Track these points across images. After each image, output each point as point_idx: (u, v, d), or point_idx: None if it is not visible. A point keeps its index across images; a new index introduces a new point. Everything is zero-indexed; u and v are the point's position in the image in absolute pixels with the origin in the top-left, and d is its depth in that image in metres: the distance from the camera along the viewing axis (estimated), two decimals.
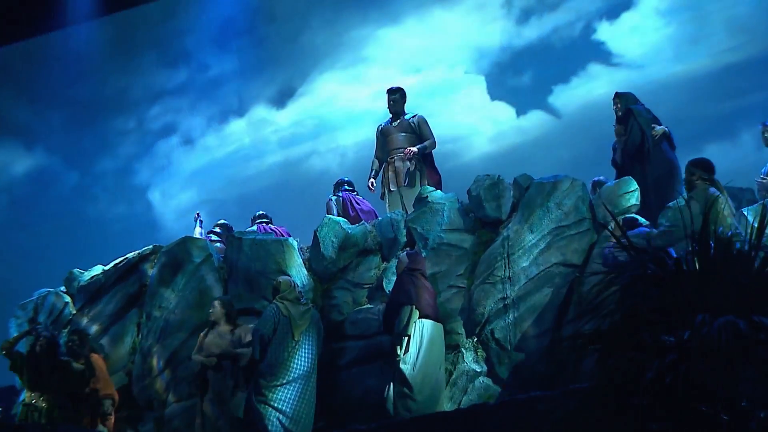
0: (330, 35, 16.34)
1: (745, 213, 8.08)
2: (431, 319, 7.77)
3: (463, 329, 8.46)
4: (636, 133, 9.25)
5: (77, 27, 15.77)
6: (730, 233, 5.43)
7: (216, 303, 8.57)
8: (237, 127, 16.81)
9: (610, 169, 9.78)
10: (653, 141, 9.17)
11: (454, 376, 8.28)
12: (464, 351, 8.37)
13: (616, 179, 9.04)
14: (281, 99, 16.50)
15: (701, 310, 4.09)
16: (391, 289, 8.22)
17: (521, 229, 8.50)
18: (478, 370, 8.23)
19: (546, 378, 7.67)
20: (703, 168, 6.82)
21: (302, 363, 7.77)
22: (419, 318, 7.69)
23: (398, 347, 7.61)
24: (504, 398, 7.58)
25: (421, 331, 7.68)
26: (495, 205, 8.82)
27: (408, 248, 8.76)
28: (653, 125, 9.29)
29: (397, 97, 10.19)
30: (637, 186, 8.61)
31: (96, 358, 8.89)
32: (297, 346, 7.78)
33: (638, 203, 8.59)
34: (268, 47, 16.81)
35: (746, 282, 4.22)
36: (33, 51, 16.50)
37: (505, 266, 8.38)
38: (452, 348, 8.41)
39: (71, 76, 16.44)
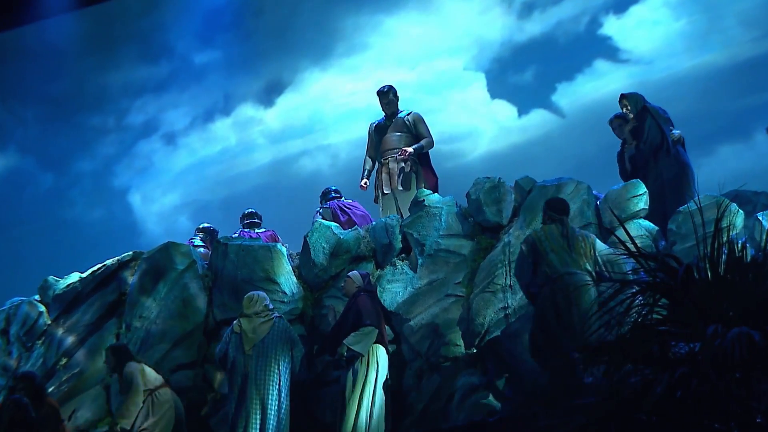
0: (321, 28, 16.35)
1: (760, 218, 8.11)
2: (383, 346, 7.93)
3: (461, 340, 8.46)
4: (655, 132, 9.25)
5: (52, 20, 15.71)
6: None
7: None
8: (223, 125, 16.81)
9: (615, 170, 9.80)
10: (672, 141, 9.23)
11: (451, 391, 8.28)
12: (463, 364, 8.37)
13: None
14: (269, 96, 16.51)
15: (713, 320, 4.09)
16: (346, 308, 8.18)
17: (523, 234, 8.48)
18: (477, 384, 8.23)
19: (549, 392, 7.66)
20: (552, 209, 7.45)
21: (254, 375, 7.86)
22: (374, 343, 7.84)
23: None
24: (504, 414, 7.57)
25: (378, 356, 7.83)
26: (495, 209, 8.83)
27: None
28: (669, 127, 9.36)
29: (390, 97, 10.14)
30: (645, 189, 8.63)
31: (52, 406, 8.56)
32: (249, 360, 7.90)
33: (647, 207, 8.61)
34: (256, 42, 16.80)
35: (761, 291, 4.22)
36: (5, 45, 16.44)
37: (506, 274, 8.38)
38: (450, 360, 8.41)
39: (46, 71, 16.40)
